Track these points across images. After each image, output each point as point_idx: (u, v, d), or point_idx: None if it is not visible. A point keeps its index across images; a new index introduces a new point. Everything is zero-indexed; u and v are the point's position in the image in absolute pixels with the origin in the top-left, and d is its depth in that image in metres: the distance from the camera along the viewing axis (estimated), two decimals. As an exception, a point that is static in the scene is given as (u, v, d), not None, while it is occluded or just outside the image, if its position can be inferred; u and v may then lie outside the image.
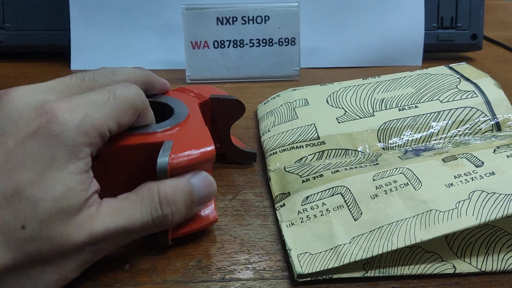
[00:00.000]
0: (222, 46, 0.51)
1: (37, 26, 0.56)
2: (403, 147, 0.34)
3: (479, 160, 0.28)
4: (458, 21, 0.55)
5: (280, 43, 0.51)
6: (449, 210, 0.25)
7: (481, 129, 0.34)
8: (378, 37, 0.55)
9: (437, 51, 0.57)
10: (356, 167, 0.31)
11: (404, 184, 0.28)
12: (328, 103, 0.39)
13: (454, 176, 0.27)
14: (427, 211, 0.25)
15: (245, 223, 0.30)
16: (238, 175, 0.35)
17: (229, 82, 0.53)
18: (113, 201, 0.24)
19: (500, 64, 0.57)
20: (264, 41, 0.51)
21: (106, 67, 0.27)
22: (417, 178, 0.28)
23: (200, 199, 0.26)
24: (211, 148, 0.26)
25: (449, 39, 0.55)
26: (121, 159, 0.26)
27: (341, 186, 0.29)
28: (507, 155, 0.28)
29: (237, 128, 0.42)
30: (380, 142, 0.35)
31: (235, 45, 0.51)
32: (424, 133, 0.35)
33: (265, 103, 0.43)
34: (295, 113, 0.38)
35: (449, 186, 0.27)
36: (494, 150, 0.29)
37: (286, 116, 0.39)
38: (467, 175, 0.27)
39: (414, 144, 0.34)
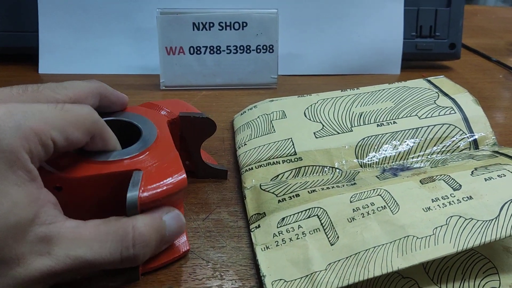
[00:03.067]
0: (198, 52, 0.49)
1: (3, 27, 0.54)
2: (381, 164, 0.34)
3: (457, 182, 0.28)
4: (437, 30, 0.55)
5: (258, 50, 0.50)
6: (426, 237, 0.25)
7: (458, 147, 0.34)
8: (357, 45, 0.55)
9: (415, 59, 0.57)
10: (333, 187, 0.30)
11: (382, 207, 0.27)
12: (305, 116, 0.38)
13: (432, 199, 0.27)
14: (405, 237, 0.25)
15: (219, 245, 0.29)
16: (212, 192, 0.34)
17: (205, 89, 0.52)
18: (82, 226, 0.22)
19: (477, 73, 0.57)
20: (241, 48, 0.49)
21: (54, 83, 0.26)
22: (395, 201, 0.27)
23: (170, 238, 0.26)
24: (182, 177, 0.25)
25: (428, 48, 0.55)
26: (87, 190, 0.24)
27: (318, 207, 0.28)
28: (484, 178, 0.27)
29: (212, 140, 0.40)
30: (357, 158, 0.34)
31: (211, 52, 0.49)
32: (402, 150, 0.34)
33: (241, 114, 0.42)
34: (272, 126, 0.37)
35: (427, 210, 0.26)
36: (472, 172, 0.28)
37: (263, 129, 0.37)
38: (445, 199, 0.27)
39: (392, 162, 0.34)
